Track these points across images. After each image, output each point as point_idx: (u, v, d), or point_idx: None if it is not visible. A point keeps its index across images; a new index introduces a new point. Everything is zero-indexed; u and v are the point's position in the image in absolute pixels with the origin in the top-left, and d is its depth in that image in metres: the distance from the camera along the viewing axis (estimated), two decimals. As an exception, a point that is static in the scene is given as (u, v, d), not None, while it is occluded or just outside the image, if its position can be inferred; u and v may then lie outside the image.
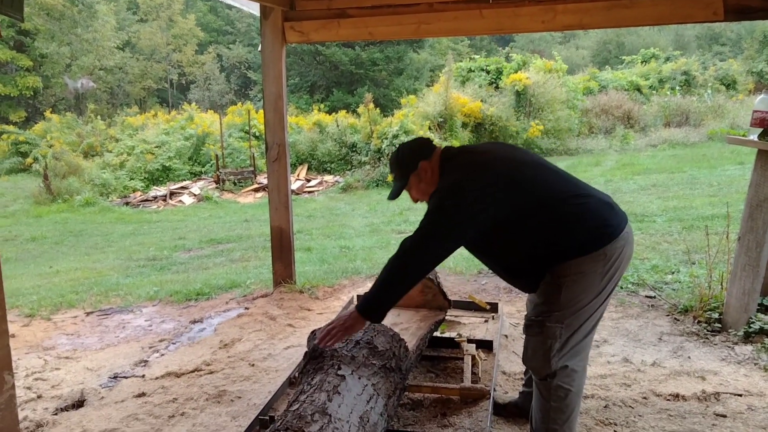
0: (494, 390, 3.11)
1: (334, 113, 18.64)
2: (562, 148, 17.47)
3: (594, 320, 2.30)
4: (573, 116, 18.79)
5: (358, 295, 4.73)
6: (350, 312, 2.34)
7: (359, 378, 2.37)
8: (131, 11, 33.62)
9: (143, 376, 3.65)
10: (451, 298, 3.93)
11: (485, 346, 3.72)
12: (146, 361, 3.91)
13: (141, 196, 14.36)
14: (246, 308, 4.90)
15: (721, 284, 4.24)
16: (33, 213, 12.69)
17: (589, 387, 3.24)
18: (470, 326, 4.17)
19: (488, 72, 19.75)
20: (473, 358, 3.45)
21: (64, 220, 11.82)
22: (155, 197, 14.15)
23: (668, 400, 3.10)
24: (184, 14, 33.86)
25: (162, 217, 12.00)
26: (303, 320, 4.54)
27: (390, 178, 2.64)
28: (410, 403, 3.09)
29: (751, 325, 3.80)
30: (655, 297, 4.69)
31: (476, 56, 21.67)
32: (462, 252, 2.49)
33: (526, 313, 2.54)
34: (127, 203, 13.77)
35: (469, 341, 3.64)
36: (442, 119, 16.37)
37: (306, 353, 2.63)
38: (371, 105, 16.59)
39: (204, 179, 15.55)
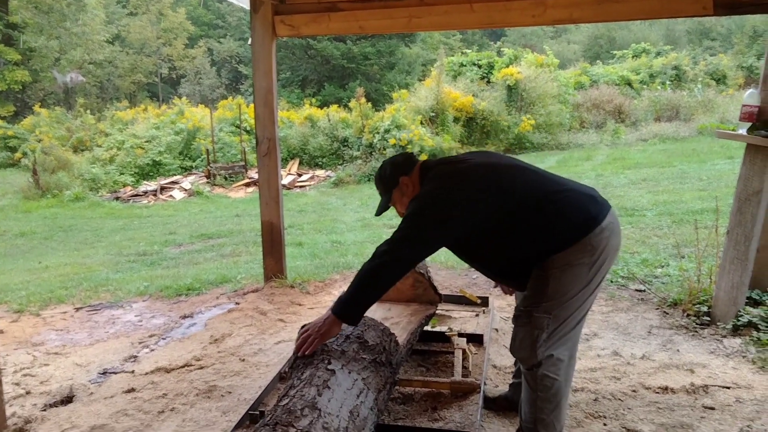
0: (485, 384, 3.11)
1: (325, 108, 18.62)
2: (554, 143, 17.51)
3: (582, 312, 2.31)
4: (564, 111, 18.83)
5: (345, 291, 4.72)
6: (325, 316, 2.34)
7: (349, 372, 2.36)
8: (121, 4, 33.38)
9: (133, 371, 3.64)
10: (442, 292, 3.93)
11: (476, 340, 3.73)
12: (136, 357, 3.90)
13: (131, 191, 14.28)
14: (237, 303, 4.88)
15: (710, 278, 4.26)
16: (22, 208, 12.60)
17: (578, 380, 3.25)
18: (461, 320, 4.18)
19: (480, 66, 19.75)
20: (464, 352, 3.45)
21: (54, 215, 11.74)
22: (145, 192, 14.07)
23: (657, 392, 3.12)
24: (174, 8, 33.60)
25: (152, 212, 11.95)
26: (294, 315, 4.54)
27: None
28: (401, 397, 3.10)
29: (740, 318, 3.83)
30: (644, 290, 4.72)
31: (468, 51, 21.69)
32: (453, 246, 2.51)
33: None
34: (117, 198, 13.69)
35: (460, 335, 3.65)
36: (433, 114, 16.37)
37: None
38: (363, 99, 16.56)
39: (195, 174, 15.48)
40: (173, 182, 14.72)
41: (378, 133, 15.09)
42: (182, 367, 3.66)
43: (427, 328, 3.75)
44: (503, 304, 4.53)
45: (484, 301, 4.40)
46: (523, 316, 2.33)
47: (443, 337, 3.66)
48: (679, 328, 3.97)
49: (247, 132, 16.38)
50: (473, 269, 5.19)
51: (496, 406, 2.96)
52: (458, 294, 4.44)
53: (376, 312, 3.48)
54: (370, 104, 17.41)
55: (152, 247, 7.98)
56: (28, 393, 3.39)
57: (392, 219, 8.90)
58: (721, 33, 39.50)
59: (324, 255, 6.56)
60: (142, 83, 31.48)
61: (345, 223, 9.09)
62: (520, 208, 2.27)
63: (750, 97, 3.78)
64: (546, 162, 14.49)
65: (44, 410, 3.18)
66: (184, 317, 4.67)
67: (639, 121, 19.11)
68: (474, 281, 5.10)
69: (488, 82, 18.93)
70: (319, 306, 4.69)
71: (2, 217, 11.77)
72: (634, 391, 3.14)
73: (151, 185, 14.53)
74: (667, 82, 22.09)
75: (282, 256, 5.20)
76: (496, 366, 3.50)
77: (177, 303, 5.07)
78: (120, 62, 29.60)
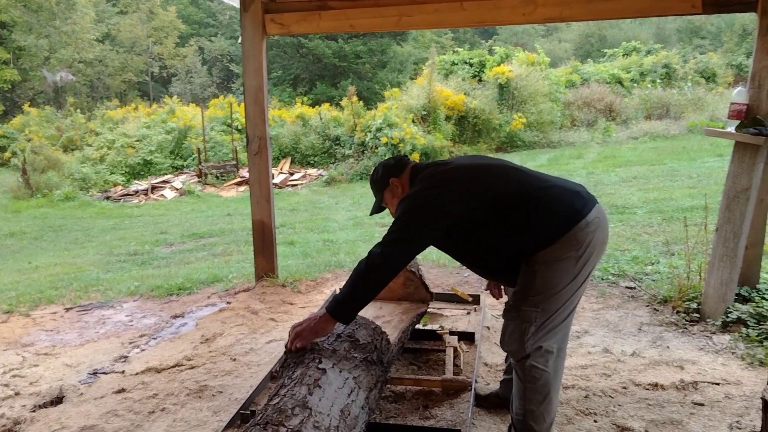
0: (476, 381, 3.12)
1: (317, 106, 18.59)
2: (545, 141, 17.55)
3: (571, 305, 2.34)
4: (555, 109, 18.88)
5: (340, 289, 4.72)
6: (320, 313, 2.38)
7: (340, 371, 2.36)
8: (111, 3, 33.13)
9: (123, 371, 3.62)
10: (434, 290, 3.94)
11: (467, 337, 3.74)
12: (126, 357, 3.88)
13: (122, 190, 14.22)
14: (228, 303, 4.87)
15: (700, 275, 4.29)
16: (11, 208, 12.52)
17: (569, 377, 3.27)
18: (452, 318, 4.19)
19: (471, 65, 19.77)
20: (455, 350, 3.46)
21: (44, 215, 11.67)
22: (136, 191, 14.02)
23: (647, 389, 3.14)
24: (164, 6, 33.41)
25: (143, 212, 11.90)
26: (285, 314, 4.53)
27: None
28: (392, 395, 3.10)
29: (729, 315, 3.85)
30: (635, 288, 4.74)
31: (459, 49, 21.69)
32: (444, 245, 2.52)
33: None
34: (107, 198, 13.64)
35: (451, 333, 3.66)
36: (425, 112, 16.37)
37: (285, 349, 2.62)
38: (355, 98, 16.55)
39: (186, 173, 15.44)
40: (164, 181, 14.66)
41: (370, 131, 15.08)
42: (173, 366, 3.65)
43: (419, 326, 3.76)
44: (494, 302, 4.54)
45: (476, 299, 4.41)
46: (512, 310, 2.37)
47: (435, 336, 3.67)
48: (669, 325, 3.99)
49: (239, 131, 16.34)
50: (464, 267, 5.21)
51: (488, 403, 2.97)
52: (450, 292, 4.45)
53: (367, 310, 3.48)
54: (361, 103, 17.40)
55: (143, 247, 7.95)
56: (17, 394, 3.37)
57: (384, 218, 8.89)
58: (710, 31, 39.70)
59: (316, 254, 6.55)
60: (132, 82, 31.30)
61: (337, 222, 9.08)
62: (506, 205, 2.31)
63: (738, 95, 3.80)
64: (537, 160, 14.53)
65: (33, 411, 3.16)
66: (175, 317, 4.66)
67: (629, 119, 19.18)
68: (465, 279, 5.11)
69: (480, 80, 18.95)
70: (310, 305, 4.69)
71: (-8, 217, 11.69)
72: (624, 387, 3.16)
73: (142, 184, 14.47)
74: (658, 81, 22.18)
75: (273, 255, 5.19)
76: (488, 364, 3.51)
77: (168, 303, 5.05)
78: (110, 61, 29.40)
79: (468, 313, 4.27)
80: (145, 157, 15.64)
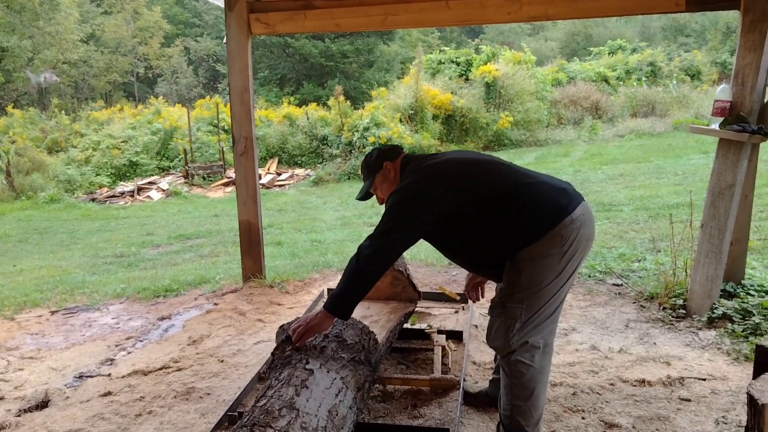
0: (464, 380, 3.13)
1: (304, 106, 18.52)
2: (532, 140, 17.61)
3: (556, 302, 2.35)
4: (542, 107, 18.95)
5: (328, 289, 4.71)
6: (318, 311, 2.40)
7: (328, 371, 2.35)
8: (95, 3, 32.85)
9: (109, 374, 3.59)
10: (422, 289, 3.94)
11: (455, 336, 3.74)
12: (113, 360, 3.85)
13: (107, 192, 14.11)
14: (215, 304, 4.85)
15: (686, 271, 4.32)
16: (-4, 211, 12.40)
17: (557, 375, 3.28)
18: (440, 317, 4.19)
19: (458, 64, 19.80)
20: (443, 348, 3.46)
21: (28, 218, 11.56)
22: (122, 193, 13.91)
23: (634, 385, 3.15)
24: (149, 6, 33.19)
25: (129, 213, 11.81)
26: (273, 315, 4.51)
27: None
28: (381, 395, 3.09)
29: (715, 311, 3.88)
30: (622, 285, 4.76)
31: (446, 48, 21.72)
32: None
33: None
34: (93, 199, 13.51)
35: (440, 332, 3.66)
36: (412, 111, 16.38)
37: (275, 348, 2.61)
38: (342, 97, 16.52)
39: (172, 174, 15.34)
40: (150, 183, 14.56)
41: (357, 131, 15.07)
42: (160, 369, 3.62)
43: (407, 325, 3.76)
44: (482, 301, 4.53)
45: (464, 298, 4.40)
46: (497, 307, 2.39)
47: (423, 335, 3.67)
48: (656, 322, 4.02)
49: (225, 131, 16.26)
50: (452, 266, 5.23)
51: (476, 401, 2.98)
52: (437, 291, 4.44)
53: (355, 310, 3.46)
54: (349, 102, 17.38)
55: (129, 249, 7.89)
56: (1, 399, 3.34)
57: (372, 218, 8.92)
58: (695, 29, 40.00)
59: (303, 254, 6.53)
60: (117, 83, 31.08)
61: (325, 222, 9.06)
62: (493, 199, 2.33)
63: (722, 92, 3.83)
64: (524, 158, 14.58)
65: (19, 416, 3.13)
66: (162, 319, 4.63)
67: (616, 117, 19.29)
68: (453, 278, 5.11)
69: (466, 79, 18.98)
70: (298, 305, 4.67)
71: (-25, 220, 11.56)
72: (611, 384, 3.17)
73: (127, 186, 14.37)
74: (643, 79, 22.32)
75: (261, 255, 5.17)
76: (476, 362, 3.51)
77: (155, 305, 5.02)
78: (95, 62, 29.16)
79: (456, 312, 4.27)
80: (131, 159, 15.52)
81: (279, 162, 16.07)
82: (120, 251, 7.78)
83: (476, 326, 4.04)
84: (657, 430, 2.71)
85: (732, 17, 29.27)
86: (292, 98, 22.31)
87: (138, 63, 31.97)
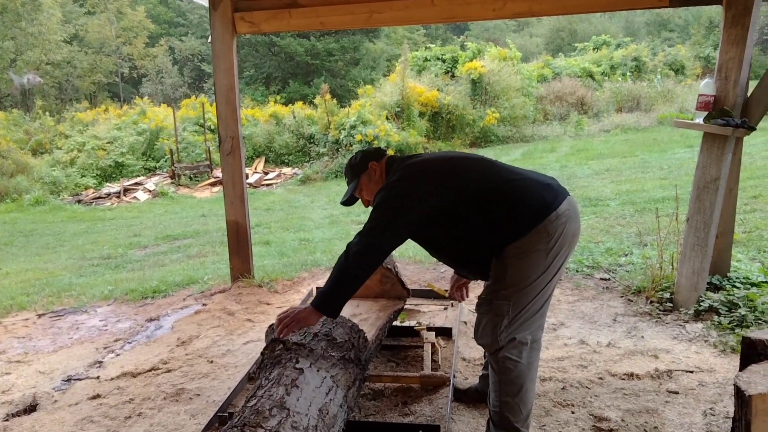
0: (454, 376, 3.14)
1: (290, 105, 18.47)
2: (518, 136, 17.66)
3: (543, 297, 2.35)
4: (528, 103, 19.01)
5: (317, 287, 4.71)
6: (306, 307, 2.38)
7: (318, 370, 2.35)
8: (78, 3, 32.52)
9: (98, 377, 3.57)
10: (411, 287, 3.94)
11: (445, 333, 3.75)
12: (101, 362, 3.82)
13: (93, 193, 14.01)
14: (204, 304, 4.83)
15: (672, 265, 4.35)
16: (-20, 214, 12.27)
17: (546, 370, 3.29)
18: (430, 314, 4.20)
19: (444, 61, 19.81)
20: (433, 345, 3.47)
21: (13, 220, 11.45)
22: (108, 194, 13.82)
23: (623, 379, 3.17)
24: (133, 6, 32.95)
25: (116, 215, 11.73)
26: (262, 314, 4.50)
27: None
28: (371, 393, 3.10)
29: (701, 304, 3.92)
30: (609, 279, 4.79)
31: (432, 45, 21.72)
32: (420, 241, 2.53)
33: None
34: (79, 201, 13.41)
35: (429, 329, 3.67)
36: (399, 109, 16.38)
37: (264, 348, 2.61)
38: (328, 96, 16.48)
39: (159, 174, 15.25)
40: (137, 183, 14.47)
41: (344, 129, 15.05)
42: (149, 371, 3.60)
43: (396, 323, 3.76)
44: (471, 297, 4.54)
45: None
46: (484, 304, 2.39)
47: (412, 332, 3.68)
48: (643, 315, 4.05)
49: (212, 131, 16.18)
50: (441, 263, 5.23)
51: (466, 398, 2.99)
52: (426, 288, 4.45)
53: (344, 309, 3.46)
54: (335, 101, 17.36)
55: (116, 250, 7.84)
56: (-11, 403, 3.31)
57: (360, 215, 8.90)
58: (678, 24, 40.31)
59: (292, 253, 6.52)
60: (102, 83, 30.81)
61: (313, 221, 9.05)
62: (479, 197, 2.33)
63: (706, 86, 3.86)
64: (511, 154, 14.63)
65: (6, 420, 3.10)
66: (151, 320, 4.60)
67: (601, 113, 19.40)
68: (442, 275, 5.12)
69: (452, 76, 19.00)
70: (287, 305, 4.66)
71: (-41, 224, 11.43)
72: (600, 378, 3.19)
73: (114, 187, 14.27)
74: (628, 74, 22.44)
75: (249, 255, 5.16)
76: (466, 359, 3.52)
77: (143, 306, 4.99)
78: (79, 62, 28.90)
79: (445, 309, 4.28)
80: (117, 159, 15.43)
81: (266, 161, 16.02)
82: (107, 253, 7.72)
83: (465, 323, 4.05)
84: (646, 422, 2.73)
85: (715, 12, 29.51)
86: (278, 97, 22.24)
87: (122, 63, 31.72)
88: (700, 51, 27.82)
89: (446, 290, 4.40)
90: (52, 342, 4.28)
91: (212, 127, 16.21)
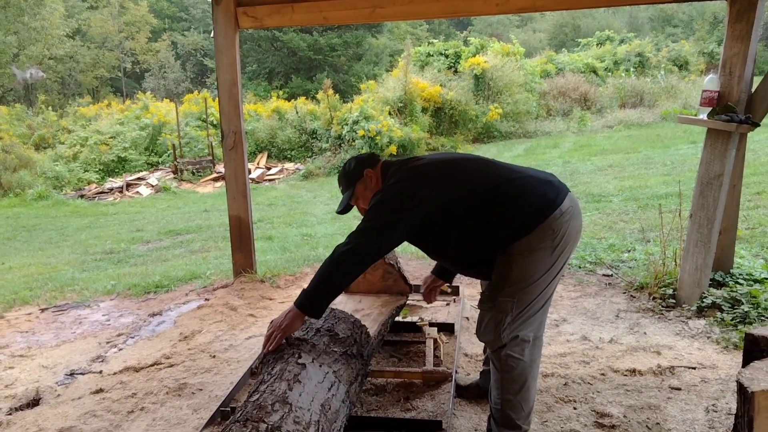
0: (456, 372, 3.14)
1: (293, 100, 18.46)
2: (521, 131, 17.62)
3: (546, 295, 2.34)
4: (531, 99, 18.96)
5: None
6: (288, 310, 2.34)
7: (320, 366, 2.35)
8: (81, -2, 32.60)
9: (101, 371, 3.58)
10: (413, 282, 3.94)
11: (447, 329, 3.75)
12: (104, 357, 3.83)
13: (96, 188, 14.02)
14: (206, 299, 4.84)
15: (675, 261, 4.34)
16: (-17, 208, 12.29)
17: (548, 365, 3.29)
18: (432, 310, 4.20)
19: (447, 56, 19.76)
20: (435, 341, 3.47)
21: (16, 215, 11.47)
22: (111, 189, 13.84)
23: (625, 375, 3.17)
24: (135, 0, 32.94)
25: (119, 209, 11.75)
26: (264, 310, 4.51)
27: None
28: (373, 388, 3.10)
29: (704, 300, 3.91)
30: (612, 275, 4.79)
31: (435, 41, 21.68)
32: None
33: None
34: (81, 196, 13.43)
35: (431, 325, 3.67)
36: (402, 104, 16.34)
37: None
38: (330, 91, 16.46)
39: (161, 169, 15.26)
40: (139, 178, 14.49)
41: (347, 124, 15.03)
42: (152, 365, 3.61)
43: (399, 318, 3.76)
44: (474, 293, 4.56)
45: (455, 290, 4.42)
46: (487, 301, 2.36)
47: (414, 327, 3.68)
48: (646, 311, 4.04)
49: (214, 126, 16.18)
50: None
51: (468, 394, 2.99)
52: (429, 284, 4.44)
53: (346, 304, 3.47)
54: (338, 96, 17.33)
55: (119, 245, 7.85)
56: (-8, 397, 3.32)
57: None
58: (682, 20, 40.16)
59: (294, 248, 6.52)
60: (104, 78, 30.83)
61: (315, 216, 9.05)
62: (478, 197, 2.30)
63: (710, 82, 3.84)
64: (514, 150, 14.60)
65: (10, 414, 3.11)
66: (153, 315, 4.61)
67: (604, 108, 19.34)
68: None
69: (455, 71, 18.95)
70: (289, 300, 4.66)
71: (-38, 218, 11.46)
72: (602, 374, 3.19)
73: (116, 182, 14.29)
74: (631, 69, 22.38)
75: (251, 250, 5.16)
76: (468, 354, 3.52)
77: (145, 301, 5.00)
78: (81, 57, 28.91)
79: (447, 305, 4.28)
80: (120, 154, 15.44)
81: (268, 156, 16.01)
82: (109, 248, 7.74)
83: (467, 318, 4.05)
84: (648, 419, 2.73)
85: (719, 7, 29.42)
86: (280, 92, 22.23)
87: (125, 58, 31.73)
88: (704, 47, 27.74)
89: (449, 286, 4.40)
90: (55, 336, 4.29)
91: (215, 122, 16.21)
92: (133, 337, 4.17)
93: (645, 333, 3.70)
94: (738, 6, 3.71)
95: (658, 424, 2.69)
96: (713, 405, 2.82)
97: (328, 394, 2.23)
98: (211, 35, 4.87)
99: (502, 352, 2.32)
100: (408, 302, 3.96)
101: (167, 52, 32.32)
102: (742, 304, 3.78)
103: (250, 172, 13.57)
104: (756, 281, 4.10)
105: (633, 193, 7.96)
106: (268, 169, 15.09)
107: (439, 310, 4.18)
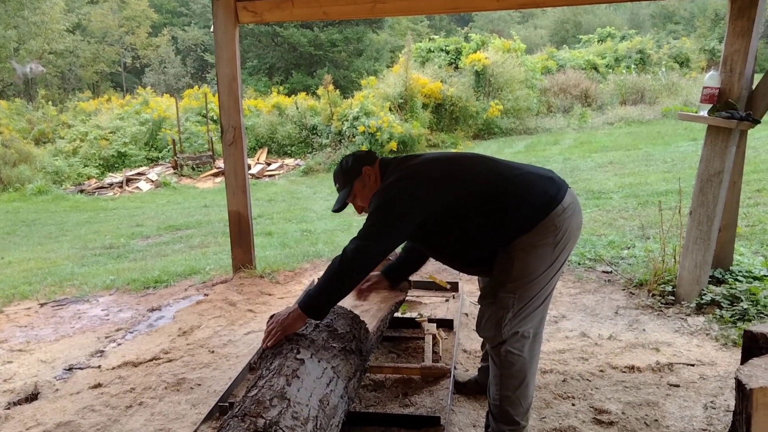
0: (455, 368, 3.14)
1: (293, 95, 18.44)
2: (522, 128, 17.61)
3: (547, 291, 2.34)
4: (532, 96, 18.94)
5: (318, 279, 4.70)
6: (292, 309, 2.36)
7: (319, 361, 2.35)
8: (81, -7, 32.52)
9: (99, 366, 3.58)
10: (412, 278, 3.93)
11: (446, 325, 3.75)
12: (102, 352, 3.83)
13: (96, 183, 14.01)
14: (205, 295, 4.83)
15: (674, 258, 4.34)
16: (-17, 203, 12.29)
17: (547, 362, 3.29)
18: (431, 306, 4.20)
19: (448, 52, 19.75)
20: (434, 337, 3.47)
21: (16, 210, 11.47)
22: (111, 184, 13.82)
23: (624, 372, 3.17)
24: (136, -5, 32.91)
25: (118, 205, 11.75)
26: (263, 305, 4.51)
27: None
28: (372, 384, 3.10)
29: (703, 297, 3.91)
30: (611, 272, 4.79)
31: (436, 37, 21.64)
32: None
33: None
34: (81, 191, 13.42)
35: (430, 321, 3.67)
36: (402, 100, 16.33)
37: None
38: (331, 87, 16.44)
39: (161, 165, 15.24)
40: (139, 173, 14.47)
41: (347, 120, 15.02)
42: (150, 360, 3.61)
43: (398, 314, 3.76)
44: (473, 289, 4.55)
45: (454, 287, 4.42)
46: (488, 296, 2.35)
47: (413, 323, 3.68)
48: (645, 308, 4.04)
49: (214, 121, 16.15)
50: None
51: (467, 390, 2.99)
52: (428, 280, 4.45)
53: (345, 300, 3.45)
54: (338, 91, 17.31)
55: (119, 240, 7.85)
56: (-9, 392, 3.32)
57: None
58: (684, 17, 40.05)
59: (294, 244, 6.52)
60: (104, 73, 30.81)
61: (315, 212, 9.04)
62: (479, 194, 2.30)
63: (711, 79, 3.84)
64: (514, 147, 14.59)
65: (8, 408, 3.11)
66: (152, 310, 4.61)
67: (605, 105, 19.33)
68: (444, 267, 5.11)
69: (456, 67, 18.94)
70: (289, 296, 4.67)
71: (-38, 213, 11.46)
72: (601, 371, 3.19)
73: (116, 177, 14.27)
74: (632, 66, 22.35)
75: (250, 246, 5.16)
76: (467, 350, 3.52)
77: (145, 296, 5.00)
78: (81, 52, 28.88)
79: (446, 301, 4.28)
80: (120, 149, 15.42)
81: (268, 152, 16.00)
82: (109, 243, 7.74)
83: (467, 314, 4.05)
84: (646, 415, 2.73)
85: (720, 4, 29.36)
86: (281, 88, 22.21)
87: (125, 53, 31.70)
88: (705, 44, 27.68)
89: (448, 282, 4.41)
90: (53, 331, 4.29)
91: (215, 117, 16.18)
92: (132, 332, 4.17)
93: (644, 330, 3.70)
94: (739, 3, 3.70)
95: (656, 420, 2.69)
96: (712, 402, 2.82)
97: (327, 390, 2.23)
98: (211, 30, 4.85)
99: (501, 348, 2.32)
100: (407, 298, 3.95)
101: (167, 47, 32.28)
102: (742, 301, 3.78)
103: (249, 168, 13.56)
104: (755, 278, 4.10)
105: (633, 190, 7.96)
106: (268, 164, 15.08)
107: (438, 306, 4.18)
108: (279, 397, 2.03)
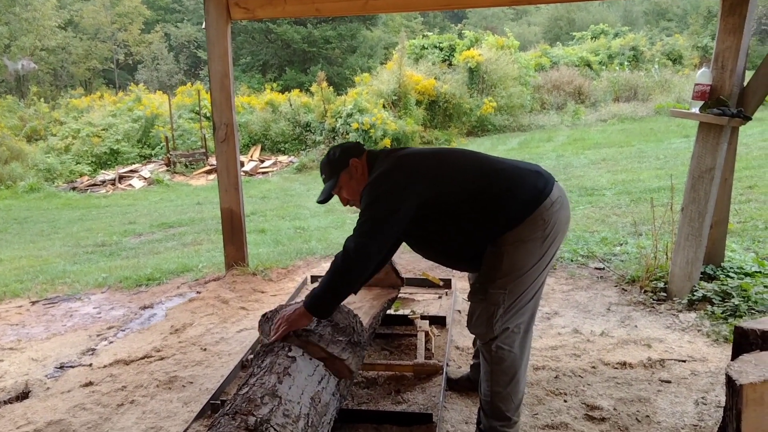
0: (447, 365, 3.14)
1: (287, 92, 18.41)
2: (515, 125, 17.63)
3: (537, 285, 2.34)
4: (525, 92, 18.96)
5: (312, 276, 4.71)
6: (298, 307, 2.36)
7: (310, 359, 2.34)
8: (72, -11, 32.32)
9: (91, 364, 3.56)
10: (405, 275, 3.94)
11: (439, 322, 3.75)
12: (94, 350, 3.82)
13: (88, 180, 13.96)
14: (198, 292, 4.82)
15: (666, 254, 4.36)
16: (-26, 200, 12.22)
17: (539, 358, 3.30)
18: (424, 303, 4.20)
19: (441, 49, 19.74)
20: (427, 334, 3.47)
21: (7, 207, 11.41)
22: (103, 181, 13.77)
23: (616, 368, 3.18)
24: (128, -9, 32.73)
25: (111, 202, 11.70)
26: (256, 303, 4.50)
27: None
28: (364, 381, 3.10)
29: (695, 293, 3.92)
30: (603, 269, 4.80)
31: (429, 33, 21.64)
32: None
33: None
34: (73, 188, 13.37)
35: (423, 318, 3.67)
36: (396, 97, 16.31)
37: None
38: (324, 83, 16.42)
39: (154, 162, 15.20)
40: (132, 171, 14.42)
41: (340, 117, 15.00)
42: (142, 358, 3.60)
43: (390, 311, 3.76)
44: (466, 286, 4.54)
45: (447, 284, 4.43)
46: (478, 293, 2.35)
47: (406, 320, 3.68)
48: (637, 305, 4.05)
49: (207, 118, 16.11)
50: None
51: (459, 386, 2.99)
52: (421, 277, 4.45)
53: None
54: (332, 88, 17.29)
55: (111, 238, 7.82)
56: (-19, 390, 3.30)
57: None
58: (676, 14, 40.18)
59: (287, 241, 6.51)
60: (97, 70, 30.66)
61: (308, 209, 9.03)
62: (468, 191, 2.30)
63: (702, 76, 3.84)
64: (508, 144, 14.61)
65: (-1, 407, 3.09)
66: (144, 308, 4.60)
67: (598, 102, 19.37)
68: (436, 264, 5.10)
69: (450, 64, 18.93)
70: (281, 293, 4.66)
71: (-47, 211, 11.39)
72: (593, 367, 3.20)
73: (109, 174, 14.22)
74: (625, 63, 22.40)
75: (243, 243, 5.14)
76: (459, 347, 3.52)
77: (137, 294, 4.98)
78: (73, 48, 28.74)
79: (439, 298, 4.28)
80: (112, 147, 15.36)
81: (262, 149, 15.97)
82: (101, 240, 7.70)
83: (459, 311, 4.05)
84: (638, 411, 2.74)
85: (713, 1, 29.45)
86: (274, 84, 22.18)
87: (117, 49, 31.55)
88: (698, 41, 27.74)
89: (441, 279, 4.41)
90: (45, 329, 4.27)
91: (208, 114, 16.13)
92: (123, 330, 4.15)
93: (636, 326, 3.71)
94: (730, 0, 3.70)
95: (647, 416, 2.70)
96: (703, 398, 2.83)
97: (318, 387, 2.23)
98: (203, 27, 4.83)
99: (492, 344, 2.32)
100: (400, 295, 3.96)
101: (160, 43, 32.15)
102: (733, 297, 3.80)
103: (242, 165, 13.54)
104: (746, 275, 4.12)
105: (626, 187, 7.98)
106: (262, 161, 15.05)
107: (430, 304, 4.18)
108: (270, 394, 2.03)
